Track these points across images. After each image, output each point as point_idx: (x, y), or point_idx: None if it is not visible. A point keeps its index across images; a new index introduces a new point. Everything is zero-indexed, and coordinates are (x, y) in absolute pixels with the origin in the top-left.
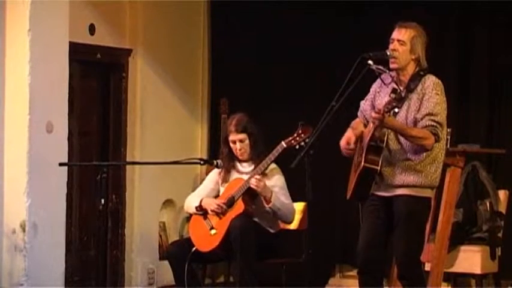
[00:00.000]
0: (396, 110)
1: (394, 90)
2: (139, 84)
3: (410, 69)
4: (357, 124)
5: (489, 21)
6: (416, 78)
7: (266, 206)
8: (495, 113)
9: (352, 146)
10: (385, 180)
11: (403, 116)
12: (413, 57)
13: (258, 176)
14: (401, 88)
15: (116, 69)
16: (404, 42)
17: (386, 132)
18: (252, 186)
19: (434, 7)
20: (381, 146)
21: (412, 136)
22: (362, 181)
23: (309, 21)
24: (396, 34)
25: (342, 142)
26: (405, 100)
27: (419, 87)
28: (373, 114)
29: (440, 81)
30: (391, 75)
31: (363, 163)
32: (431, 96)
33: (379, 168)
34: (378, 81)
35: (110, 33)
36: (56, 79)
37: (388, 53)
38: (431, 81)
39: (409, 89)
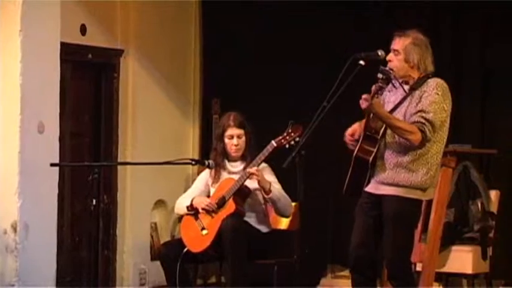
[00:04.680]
0: (382, 92)
1: (381, 71)
2: (131, 85)
3: (414, 75)
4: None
5: (481, 21)
6: (422, 79)
7: (266, 196)
8: (486, 114)
9: (356, 137)
10: (376, 175)
11: (402, 111)
12: (408, 65)
13: (255, 167)
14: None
15: (107, 70)
16: (398, 51)
17: (384, 125)
18: (252, 173)
19: (426, 8)
20: (375, 137)
21: (397, 127)
22: (355, 172)
23: (301, 21)
24: (392, 44)
25: (348, 131)
26: (407, 96)
27: (422, 86)
28: (364, 95)
29: (445, 83)
30: (397, 79)
31: (355, 152)
32: (430, 95)
33: (371, 158)
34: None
35: (102, 34)
36: (47, 79)
37: (380, 53)
38: (434, 81)
39: (413, 87)
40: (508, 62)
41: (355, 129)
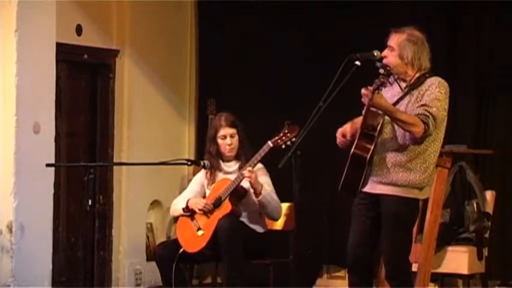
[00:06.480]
0: (384, 87)
1: (383, 66)
2: (126, 85)
3: (410, 72)
4: (359, 120)
5: (476, 21)
6: (421, 78)
7: (256, 199)
8: (482, 114)
9: (348, 138)
10: (373, 174)
11: (401, 110)
12: (403, 62)
13: (250, 168)
14: (404, 86)
15: (103, 70)
16: (392, 47)
17: (381, 122)
18: (245, 177)
19: (421, 7)
20: (372, 134)
21: (401, 120)
22: (352, 170)
23: (297, 21)
24: (388, 40)
25: (338, 133)
26: (406, 95)
27: (423, 85)
28: (363, 91)
29: (445, 82)
30: (393, 76)
31: (352, 149)
32: (433, 92)
33: (368, 156)
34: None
35: (97, 34)
36: (43, 80)
37: (375, 54)
38: (436, 80)
39: (412, 86)
40: (503, 62)
41: (346, 128)
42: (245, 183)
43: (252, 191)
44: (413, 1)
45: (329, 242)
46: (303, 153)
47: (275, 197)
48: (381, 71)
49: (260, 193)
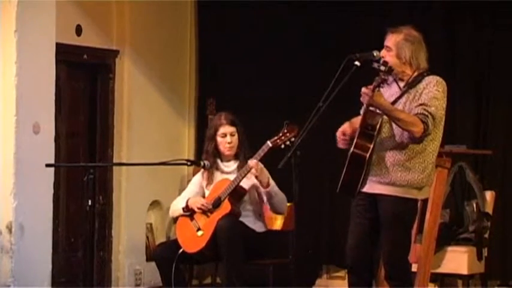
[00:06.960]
0: (383, 85)
1: (384, 64)
2: (126, 85)
3: (408, 71)
4: (356, 120)
5: (474, 21)
6: (418, 77)
7: (264, 189)
8: (481, 114)
9: (347, 136)
10: (371, 174)
11: (399, 108)
12: (400, 61)
13: (255, 160)
14: (402, 85)
15: (103, 70)
16: (390, 48)
17: (380, 121)
18: (252, 170)
19: (419, 7)
20: (371, 134)
21: (400, 119)
22: (350, 170)
23: (296, 21)
24: (385, 40)
25: (339, 132)
26: (404, 94)
27: (420, 84)
28: (363, 90)
29: (443, 81)
30: (392, 75)
31: (352, 149)
32: (431, 91)
33: (368, 155)
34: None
35: (97, 34)
36: (42, 80)
37: (375, 54)
38: (434, 78)
39: (410, 85)
40: (503, 62)
41: (345, 128)
42: (246, 183)
43: (253, 192)
44: (413, 1)
45: (329, 242)
46: (302, 153)
47: (279, 190)
48: (382, 68)
49: (268, 183)
